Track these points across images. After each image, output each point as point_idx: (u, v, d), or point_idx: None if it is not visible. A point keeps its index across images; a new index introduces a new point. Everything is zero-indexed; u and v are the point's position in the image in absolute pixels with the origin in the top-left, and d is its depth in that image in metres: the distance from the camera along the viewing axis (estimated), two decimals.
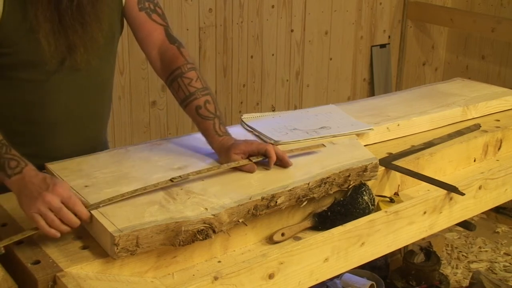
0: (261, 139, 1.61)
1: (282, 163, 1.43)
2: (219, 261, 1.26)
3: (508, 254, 3.16)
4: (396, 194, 1.57)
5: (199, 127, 1.50)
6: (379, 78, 4.01)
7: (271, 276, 1.18)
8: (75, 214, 1.17)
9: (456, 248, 3.22)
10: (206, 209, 1.22)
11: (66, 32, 1.38)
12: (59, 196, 1.16)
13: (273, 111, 3.52)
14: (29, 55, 1.39)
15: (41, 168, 1.35)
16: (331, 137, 1.63)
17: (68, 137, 1.52)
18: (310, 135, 1.62)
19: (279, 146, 1.51)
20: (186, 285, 1.08)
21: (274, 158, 1.42)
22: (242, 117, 1.75)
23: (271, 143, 1.51)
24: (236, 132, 1.58)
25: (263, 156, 1.42)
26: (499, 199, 1.67)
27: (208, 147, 1.50)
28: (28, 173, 1.22)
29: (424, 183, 1.56)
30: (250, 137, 1.61)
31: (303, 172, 1.39)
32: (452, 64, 4.33)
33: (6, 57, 1.38)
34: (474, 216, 2.07)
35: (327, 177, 1.38)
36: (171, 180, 1.31)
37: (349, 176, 1.42)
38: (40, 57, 1.38)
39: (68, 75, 1.44)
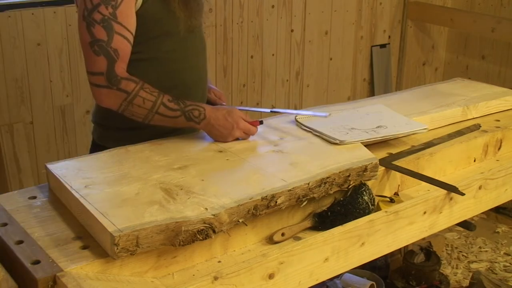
0: (324, 139, 1.61)
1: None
2: (219, 261, 1.26)
3: (508, 254, 3.16)
4: (396, 194, 1.57)
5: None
6: (379, 78, 4.02)
7: (271, 276, 1.18)
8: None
9: (456, 248, 3.22)
10: (206, 209, 1.22)
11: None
12: (242, 129, 1.57)
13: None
14: (167, 26, 1.62)
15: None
16: (392, 137, 1.66)
17: (197, 98, 1.71)
18: (371, 135, 1.63)
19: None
20: (186, 285, 1.08)
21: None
22: (296, 118, 1.75)
23: (336, 143, 1.57)
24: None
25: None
26: (499, 199, 1.67)
27: (208, 146, 1.52)
28: (210, 116, 1.55)
29: (424, 183, 1.56)
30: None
31: (303, 172, 1.40)
32: (452, 64, 4.33)
33: (151, 30, 1.60)
34: (474, 216, 2.07)
35: (327, 177, 1.38)
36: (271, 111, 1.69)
37: (349, 176, 1.42)
38: (175, 27, 1.63)
39: (192, 40, 1.69)
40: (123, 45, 1.53)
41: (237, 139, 1.59)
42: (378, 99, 2.03)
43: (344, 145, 1.57)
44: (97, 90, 1.54)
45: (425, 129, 1.71)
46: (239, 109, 1.63)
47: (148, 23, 1.59)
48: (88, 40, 1.51)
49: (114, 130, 1.71)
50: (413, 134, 1.70)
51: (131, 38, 1.56)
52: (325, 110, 1.80)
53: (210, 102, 1.86)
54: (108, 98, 1.52)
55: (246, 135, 1.59)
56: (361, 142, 1.59)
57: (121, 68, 1.52)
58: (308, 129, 1.68)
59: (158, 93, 1.52)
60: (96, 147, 1.74)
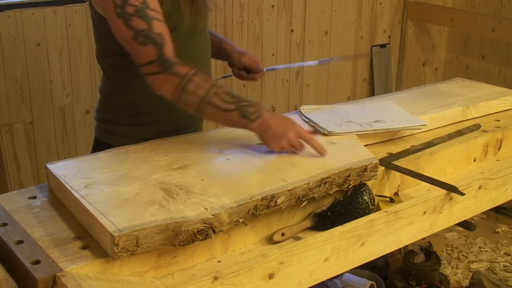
0: (316, 129, 1.65)
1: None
2: (219, 261, 1.26)
3: (508, 254, 3.16)
4: (396, 194, 1.57)
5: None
6: (379, 78, 4.01)
7: (271, 276, 1.18)
8: (312, 146, 1.47)
9: (456, 248, 3.22)
10: (206, 209, 1.22)
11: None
12: (298, 134, 1.46)
13: (273, 111, 3.52)
14: (173, 23, 1.58)
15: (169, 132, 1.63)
16: (384, 130, 1.67)
17: None
18: (364, 128, 1.65)
19: (332, 137, 1.60)
20: (186, 285, 1.08)
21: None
22: (300, 108, 1.79)
23: (325, 133, 1.61)
24: None
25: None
26: (499, 199, 1.67)
27: (209, 146, 1.52)
28: (266, 115, 1.47)
29: (424, 183, 1.56)
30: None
31: (303, 172, 1.40)
32: (452, 64, 4.33)
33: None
34: (474, 216, 2.07)
35: (327, 177, 1.38)
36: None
37: (349, 176, 1.42)
38: (180, 23, 1.62)
39: (195, 39, 1.65)
40: (164, 29, 1.51)
41: (282, 151, 1.50)
42: (378, 99, 2.03)
43: (343, 144, 1.57)
44: (153, 78, 1.50)
45: (423, 125, 1.71)
46: None
47: None
48: (130, 35, 1.48)
49: (118, 126, 1.71)
50: (410, 129, 1.70)
51: (165, 22, 1.55)
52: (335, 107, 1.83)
53: (245, 66, 1.90)
54: (164, 84, 1.48)
55: (300, 145, 1.48)
56: (350, 134, 1.61)
57: (170, 52, 1.50)
58: (307, 120, 1.71)
59: (212, 83, 1.48)
60: (98, 144, 1.74)
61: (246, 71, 1.91)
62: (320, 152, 1.48)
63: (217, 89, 1.47)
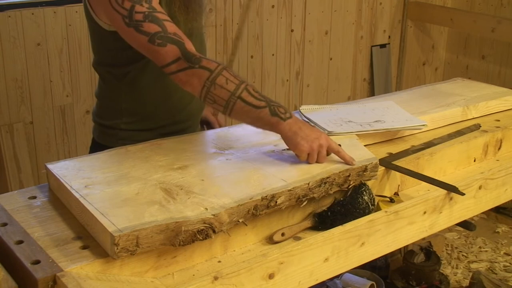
0: None
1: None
2: (219, 261, 1.26)
3: (508, 254, 3.16)
4: (396, 194, 1.57)
5: None
6: (379, 78, 4.02)
7: (271, 276, 1.18)
8: (341, 158, 1.44)
9: (456, 248, 3.22)
10: (206, 209, 1.22)
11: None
12: (326, 142, 1.44)
13: None
14: None
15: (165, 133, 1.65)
16: (384, 130, 1.67)
17: (198, 103, 1.74)
18: (364, 128, 1.65)
19: (332, 137, 1.57)
20: (186, 285, 1.08)
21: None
22: (300, 108, 1.79)
23: (324, 133, 1.58)
24: None
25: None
26: (499, 199, 1.67)
27: (209, 146, 1.53)
28: (296, 117, 1.44)
29: (424, 183, 1.56)
30: None
31: (303, 172, 1.40)
32: (452, 64, 4.33)
33: None
34: (474, 216, 2.07)
35: (327, 177, 1.38)
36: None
37: (349, 176, 1.42)
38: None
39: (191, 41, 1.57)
40: (177, 28, 1.49)
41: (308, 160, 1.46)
42: (378, 99, 2.03)
43: (343, 144, 1.57)
44: (180, 74, 1.45)
45: (423, 125, 1.71)
46: None
47: None
48: (146, 40, 1.45)
49: (120, 131, 1.71)
50: (410, 129, 1.70)
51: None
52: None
53: (207, 121, 1.89)
54: (192, 79, 1.43)
55: (325, 156, 1.44)
56: (350, 134, 1.61)
57: (192, 48, 1.46)
58: (307, 120, 1.71)
59: (241, 78, 1.44)
60: (96, 146, 1.74)
61: (206, 125, 1.90)
62: (350, 163, 1.44)
63: (247, 85, 1.43)
